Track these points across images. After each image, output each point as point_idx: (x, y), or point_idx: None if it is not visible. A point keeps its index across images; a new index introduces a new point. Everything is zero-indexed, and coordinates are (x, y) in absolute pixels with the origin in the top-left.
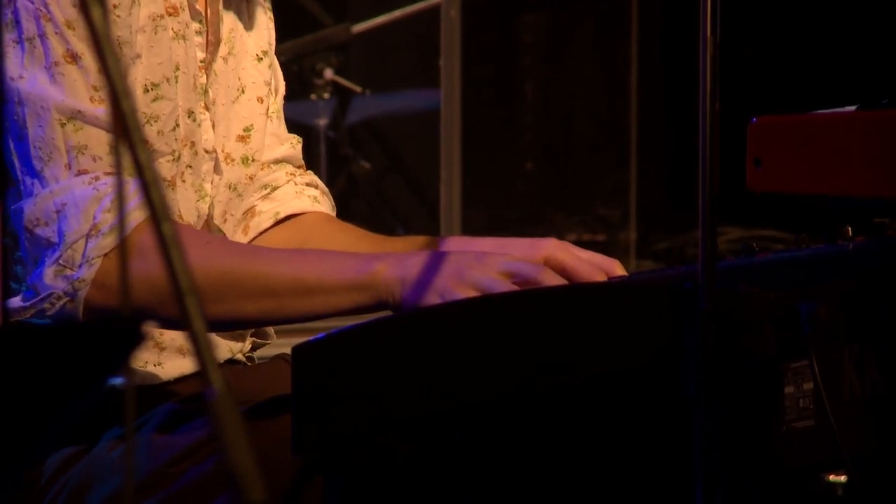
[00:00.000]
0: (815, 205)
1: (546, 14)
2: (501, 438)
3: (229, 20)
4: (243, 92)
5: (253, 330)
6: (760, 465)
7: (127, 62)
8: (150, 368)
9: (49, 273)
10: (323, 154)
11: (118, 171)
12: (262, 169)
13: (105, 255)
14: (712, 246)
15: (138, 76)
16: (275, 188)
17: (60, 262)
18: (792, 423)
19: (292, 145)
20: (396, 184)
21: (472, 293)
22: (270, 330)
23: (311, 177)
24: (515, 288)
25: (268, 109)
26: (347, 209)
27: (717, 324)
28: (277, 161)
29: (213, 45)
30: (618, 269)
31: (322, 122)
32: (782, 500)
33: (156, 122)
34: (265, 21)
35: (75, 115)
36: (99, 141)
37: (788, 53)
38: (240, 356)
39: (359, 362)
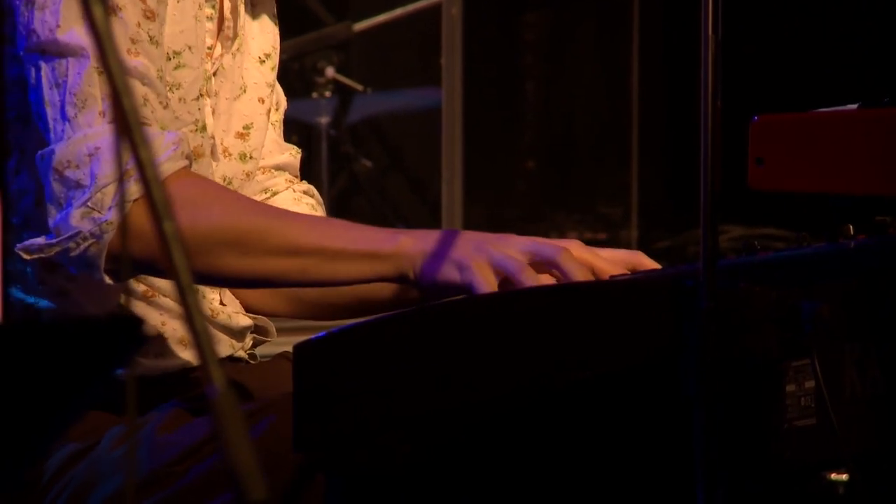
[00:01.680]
0: (817, 203)
1: (547, 12)
2: (502, 437)
3: (242, 18)
4: (245, 91)
5: (253, 326)
6: (761, 464)
7: (161, 20)
8: (151, 360)
9: (76, 214)
10: (324, 152)
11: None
12: (263, 173)
13: (135, 200)
14: (713, 244)
15: (165, 42)
16: (275, 193)
17: (89, 204)
18: (793, 421)
19: (292, 154)
20: (398, 182)
21: (487, 267)
22: (271, 327)
23: (307, 186)
24: (531, 270)
25: (269, 111)
26: (349, 208)
27: (718, 322)
28: (278, 167)
29: (229, 39)
30: (644, 259)
31: (323, 120)
32: (783, 499)
33: (178, 89)
34: (270, 26)
35: None
36: (134, 92)
37: (790, 52)
38: (241, 353)
39: (360, 361)
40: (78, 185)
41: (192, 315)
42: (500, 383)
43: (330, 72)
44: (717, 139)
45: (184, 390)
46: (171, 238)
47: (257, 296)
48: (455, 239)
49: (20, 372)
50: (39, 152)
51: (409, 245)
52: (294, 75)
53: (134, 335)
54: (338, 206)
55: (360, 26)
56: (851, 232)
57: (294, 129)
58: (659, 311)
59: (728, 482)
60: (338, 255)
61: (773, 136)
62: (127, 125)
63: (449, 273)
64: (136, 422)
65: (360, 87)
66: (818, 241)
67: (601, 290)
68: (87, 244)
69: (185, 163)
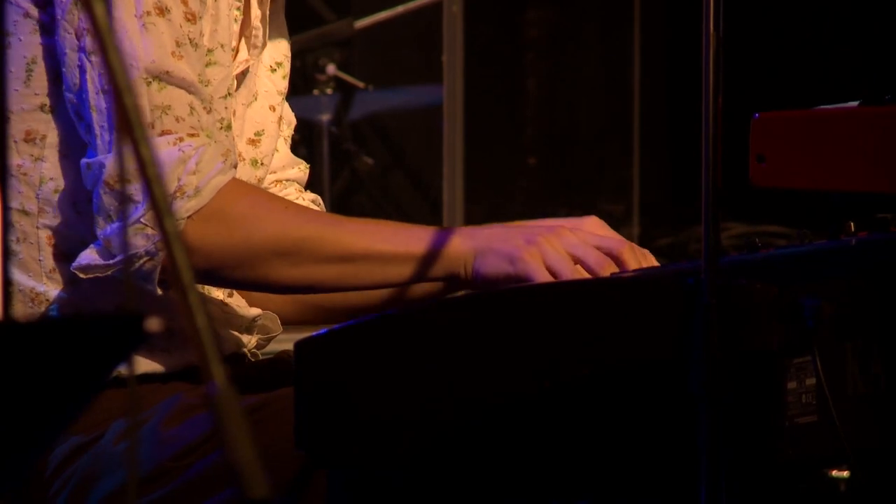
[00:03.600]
0: (818, 200)
1: (549, 9)
2: (505, 433)
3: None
4: (256, 98)
5: (259, 324)
6: (763, 460)
7: (202, 21)
8: (157, 357)
9: (129, 231)
10: (325, 150)
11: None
12: (276, 185)
13: (189, 217)
14: (715, 241)
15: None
16: None
17: (143, 220)
18: (795, 418)
19: (300, 170)
20: (399, 179)
21: (539, 259)
22: (276, 320)
23: (314, 196)
24: (580, 271)
25: (279, 119)
26: (350, 205)
27: (720, 319)
28: (289, 180)
29: (256, 48)
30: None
31: (325, 117)
32: (785, 496)
33: (207, 86)
34: (282, 35)
35: (161, 76)
36: (181, 102)
37: (791, 49)
38: (244, 351)
39: (361, 358)
40: (130, 201)
41: (193, 313)
42: (501, 381)
43: (331, 69)
44: (719, 136)
45: (189, 385)
46: (172, 236)
47: (264, 300)
48: (505, 234)
49: (21, 367)
50: (85, 161)
51: (459, 244)
52: (295, 72)
53: (137, 332)
54: (339, 204)
55: (361, 23)
56: (852, 229)
57: (296, 127)
58: (661, 308)
59: (730, 479)
60: (389, 259)
61: (775, 133)
62: (129, 123)
63: (501, 266)
64: (139, 417)
65: (361, 84)
66: (819, 238)
67: (603, 287)
68: (142, 262)
69: (233, 173)
